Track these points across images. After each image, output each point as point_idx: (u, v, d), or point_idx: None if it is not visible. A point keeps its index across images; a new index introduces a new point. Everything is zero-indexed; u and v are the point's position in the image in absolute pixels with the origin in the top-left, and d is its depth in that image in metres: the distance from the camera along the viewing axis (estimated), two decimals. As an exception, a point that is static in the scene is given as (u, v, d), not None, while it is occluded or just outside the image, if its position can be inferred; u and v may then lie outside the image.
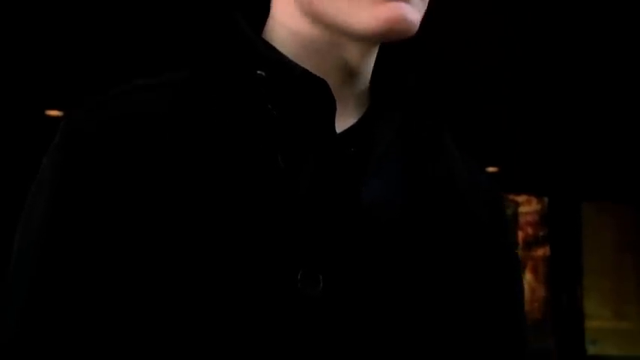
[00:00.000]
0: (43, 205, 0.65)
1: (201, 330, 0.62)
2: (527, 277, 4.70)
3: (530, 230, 5.34)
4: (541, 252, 5.26)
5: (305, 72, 0.64)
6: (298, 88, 0.64)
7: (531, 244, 5.32)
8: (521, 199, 5.36)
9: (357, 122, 0.69)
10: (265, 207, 0.63)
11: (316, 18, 0.64)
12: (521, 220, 5.31)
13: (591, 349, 3.98)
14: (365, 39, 0.65)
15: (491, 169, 4.08)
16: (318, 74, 0.64)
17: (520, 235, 4.99)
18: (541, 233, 5.35)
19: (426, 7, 0.67)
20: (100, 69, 3.23)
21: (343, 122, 0.68)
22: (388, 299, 0.66)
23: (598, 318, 4.05)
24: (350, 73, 0.67)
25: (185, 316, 0.62)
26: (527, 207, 5.33)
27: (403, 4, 0.62)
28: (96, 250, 0.62)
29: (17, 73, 3.24)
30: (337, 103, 0.65)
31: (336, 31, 0.65)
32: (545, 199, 5.25)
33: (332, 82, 0.65)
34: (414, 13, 0.63)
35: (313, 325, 0.63)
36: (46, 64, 3.17)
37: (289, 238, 0.63)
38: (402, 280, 0.67)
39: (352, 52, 0.67)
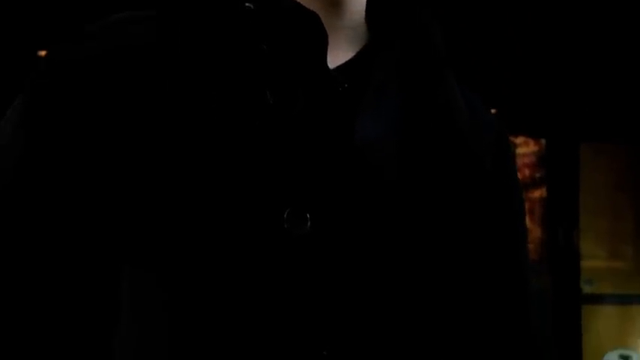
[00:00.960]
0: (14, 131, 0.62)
1: (185, 270, 0.61)
2: (524, 218, 4.73)
3: (527, 172, 5.36)
4: (538, 194, 5.29)
5: (295, 4, 0.62)
6: (288, 21, 0.62)
7: (528, 185, 5.35)
8: (518, 140, 5.36)
9: (352, 58, 0.67)
10: (252, 143, 0.62)
11: None
12: (519, 161, 5.32)
13: (586, 289, 4.02)
14: None
15: (488, 111, 4.06)
16: (308, 6, 0.62)
17: (517, 176, 5.00)
18: (538, 175, 5.38)
19: None
20: (93, 9, 3.19)
21: (337, 58, 0.66)
22: (378, 240, 0.66)
23: (594, 258, 4.08)
24: (338, 4, 0.65)
25: (168, 255, 0.61)
26: (525, 148, 5.33)
27: None
28: (75, 177, 0.61)
29: (8, 13, 3.20)
30: (329, 37, 0.63)
31: None
32: (543, 141, 5.25)
33: (322, 14, 0.63)
34: None
35: (299, 264, 0.63)
36: (38, 3, 3.12)
37: (276, 176, 0.62)
38: (393, 220, 0.66)
39: None
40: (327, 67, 0.64)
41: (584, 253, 4.07)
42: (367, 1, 0.69)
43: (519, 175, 0.79)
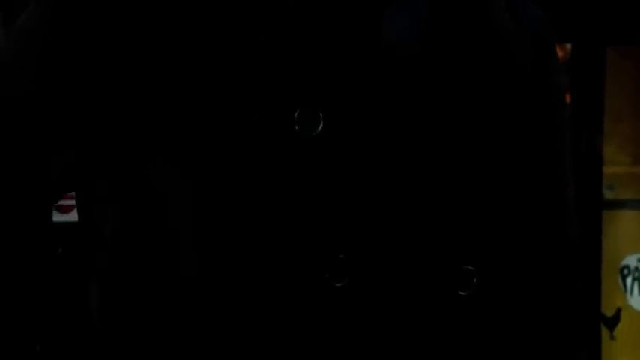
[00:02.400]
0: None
1: (204, 165, 0.61)
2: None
3: (551, 77, 5.27)
4: (562, 99, 5.22)
5: None
6: None
7: (552, 91, 5.27)
8: (543, 45, 5.25)
9: None
10: (265, 37, 0.60)
11: None
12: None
13: (608, 194, 4.03)
14: None
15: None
16: None
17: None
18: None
19: None
20: None
21: None
22: (397, 143, 0.64)
23: (616, 164, 4.06)
24: None
25: (188, 151, 0.61)
26: (550, 54, 5.23)
27: None
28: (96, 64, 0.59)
29: None
30: None
31: None
32: (568, 46, 5.15)
33: None
34: None
35: (308, 167, 0.61)
36: None
37: (286, 72, 0.59)
38: (412, 123, 0.64)
39: None
40: None
41: (607, 159, 4.05)
42: None
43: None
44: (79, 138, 0.61)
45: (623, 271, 4.10)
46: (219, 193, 0.60)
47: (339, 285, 0.60)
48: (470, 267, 0.63)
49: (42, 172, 0.63)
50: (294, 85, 0.60)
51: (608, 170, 3.99)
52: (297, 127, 0.60)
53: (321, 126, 0.60)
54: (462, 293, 0.63)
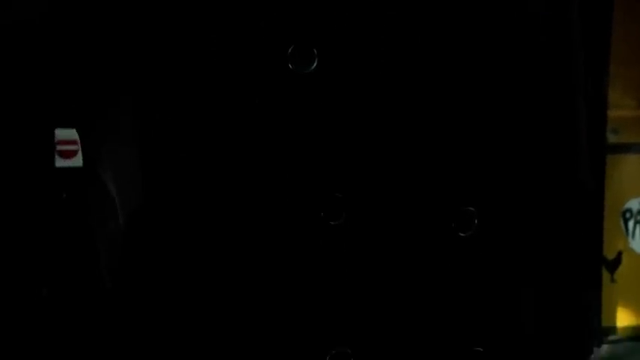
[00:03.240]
0: None
1: (186, 108, 0.60)
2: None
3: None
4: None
5: None
6: None
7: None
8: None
9: None
10: None
11: None
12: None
13: (612, 138, 4.02)
14: None
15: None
16: None
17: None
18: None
19: None
20: None
21: None
22: (392, 82, 0.63)
23: (622, 107, 4.05)
24: None
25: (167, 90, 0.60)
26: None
27: None
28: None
29: None
30: None
31: None
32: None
33: None
34: None
35: (303, 104, 0.60)
36: None
37: (280, 8, 0.58)
38: (409, 58, 0.63)
39: None
40: None
41: (613, 103, 4.03)
42: None
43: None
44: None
45: (626, 215, 4.11)
46: (214, 130, 0.60)
47: (334, 224, 0.60)
48: (471, 208, 0.63)
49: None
50: (288, 22, 0.60)
51: (612, 114, 3.98)
52: (290, 65, 0.59)
53: (315, 63, 0.60)
54: (462, 235, 0.63)
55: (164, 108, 0.61)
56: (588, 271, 0.77)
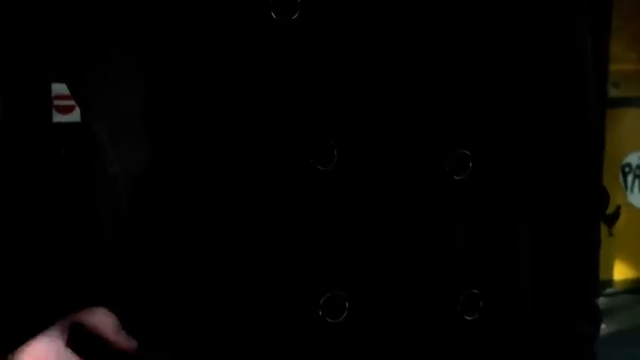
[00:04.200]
0: None
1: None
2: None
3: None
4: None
5: None
6: None
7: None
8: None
9: None
10: None
11: None
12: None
13: (613, 92, 4.00)
14: None
15: None
16: None
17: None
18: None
19: None
20: None
21: None
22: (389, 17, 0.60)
23: (624, 61, 4.02)
24: None
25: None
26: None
27: None
28: None
29: None
30: None
31: None
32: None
33: None
34: None
35: (289, 51, 0.58)
36: None
37: None
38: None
39: None
40: None
41: (615, 57, 4.00)
42: None
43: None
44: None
45: (625, 169, 4.12)
46: (211, 81, 0.59)
47: (323, 169, 0.60)
48: (465, 151, 0.62)
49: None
50: None
51: (614, 67, 3.95)
52: (274, 14, 0.58)
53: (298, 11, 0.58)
54: (456, 178, 0.62)
55: (165, 66, 0.60)
56: (592, 211, 0.76)
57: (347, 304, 0.60)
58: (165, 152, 0.62)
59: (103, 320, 0.64)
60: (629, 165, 4.11)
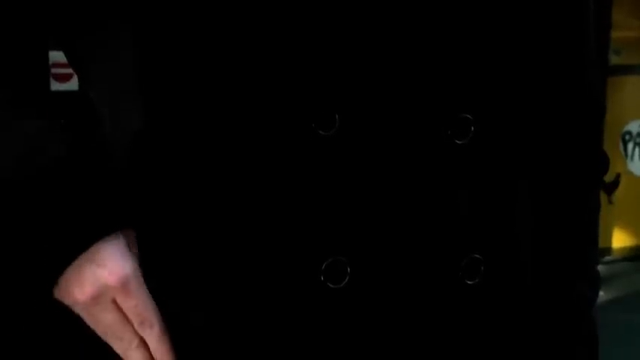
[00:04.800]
0: None
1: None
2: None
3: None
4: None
5: None
6: None
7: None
8: None
9: None
10: None
11: None
12: None
13: (614, 59, 3.98)
14: None
15: None
16: None
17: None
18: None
19: None
20: None
21: None
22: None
23: (625, 28, 3.99)
24: None
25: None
26: None
27: None
28: None
29: None
30: None
31: None
32: None
33: None
34: None
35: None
36: None
37: None
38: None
39: None
40: None
41: (617, 24, 3.98)
42: None
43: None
44: None
45: (625, 137, 4.11)
46: (209, 41, 0.59)
47: (325, 134, 0.59)
48: (467, 115, 0.62)
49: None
50: None
51: (615, 34, 3.93)
52: None
53: None
54: (458, 142, 0.62)
55: (159, 29, 0.60)
56: (592, 175, 0.76)
57: (349, 270, 0.60)
58: (162, 114, 0.62)
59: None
60: (629, 133, 4.11)
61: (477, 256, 0.63)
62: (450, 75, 0.62)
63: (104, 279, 0.61)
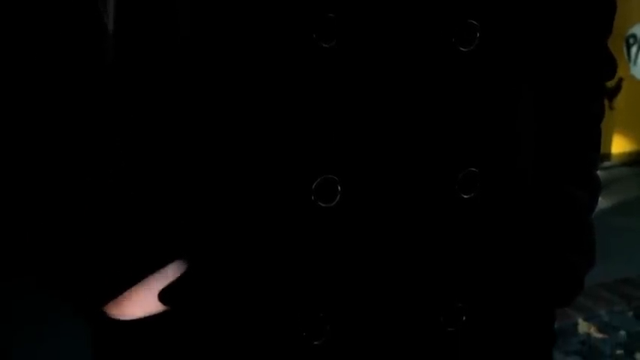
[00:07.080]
0: None
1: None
2: None
3: None
4: None
5: None
6: None
7: None
8: None
9: None
10: None
11: None
12: None
13: None
14: None
15: None
16: None
17: None
18: None
19: None
20: None
21: None
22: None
23: None
24: None
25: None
26: None
27: None
28: None
29: None
30: None
31: None
32: None
33: None
34: None
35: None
36: None
37: None
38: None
39: None
40: None
41: None
42: None
43: None
44: None
45: (629, 40, 4.04)
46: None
47: (327, 46, 0.57)
48: (473, 21, 0.59)
49: None
50: None
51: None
52: None
53: None
54: (462, 49, 0.59)
55: None
56: (597, 78, 0.74)
57: (339, 188, 0.58)
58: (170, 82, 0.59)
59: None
60: (633, 36, 4.03)
61: (474, 169, 0.61)
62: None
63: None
